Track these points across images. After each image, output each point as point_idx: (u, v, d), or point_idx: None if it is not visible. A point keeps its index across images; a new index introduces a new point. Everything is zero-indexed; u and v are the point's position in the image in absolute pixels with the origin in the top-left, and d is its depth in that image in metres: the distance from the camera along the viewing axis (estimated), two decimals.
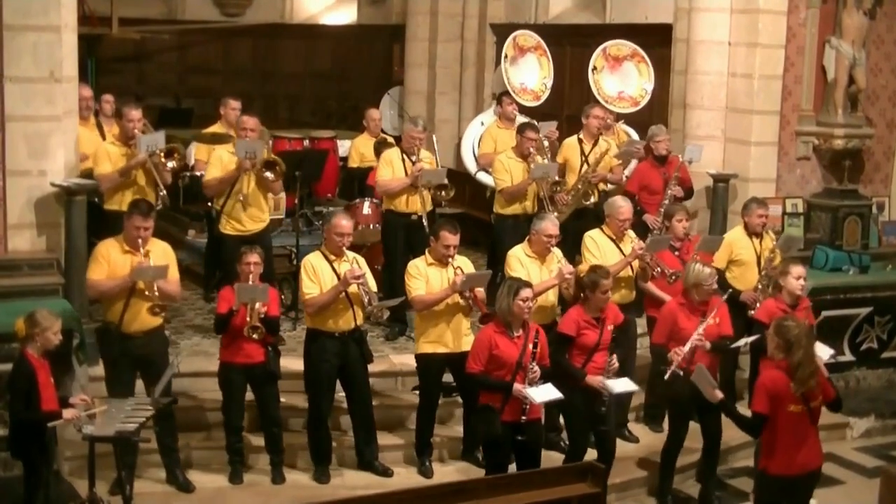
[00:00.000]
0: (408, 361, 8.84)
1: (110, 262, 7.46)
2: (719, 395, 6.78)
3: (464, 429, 8.31)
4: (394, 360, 8.96)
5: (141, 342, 7.48)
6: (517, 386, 7.09)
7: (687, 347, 7.60)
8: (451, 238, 7.84)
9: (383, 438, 8.27)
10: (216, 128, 10.30)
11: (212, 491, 7.76)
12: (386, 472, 8.07)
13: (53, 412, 6.62)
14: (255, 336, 7.61)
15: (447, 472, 8.16)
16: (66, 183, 8.33)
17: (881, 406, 10.02)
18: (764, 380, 6.42)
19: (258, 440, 8.08)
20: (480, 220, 11.66)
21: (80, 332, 7.90)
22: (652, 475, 8.32)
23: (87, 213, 8.49)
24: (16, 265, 8.28)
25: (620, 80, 11.35)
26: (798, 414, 6.35)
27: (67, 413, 6.66)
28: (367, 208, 10.11)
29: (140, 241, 7.43)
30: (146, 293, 7.40)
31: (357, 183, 11.27)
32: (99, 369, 8.11)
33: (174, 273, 7.65)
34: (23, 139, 8.25)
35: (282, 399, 8.02)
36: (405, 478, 8.01)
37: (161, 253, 7.62)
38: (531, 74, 12.13)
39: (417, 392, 8.64)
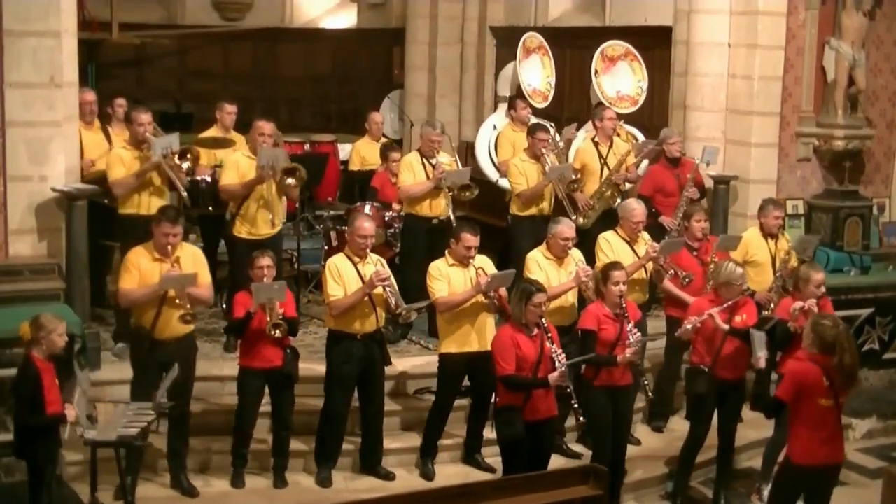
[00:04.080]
0: (409, 365, 8.85)
1: (141, 270, 7.46)
2: (763, 363, 6.79)
3: (467, 431, 8.31)
4: (395, 363, 8.92)
5: (172, 348, 7.50)
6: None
7: (700, 318, 7.67)
8: (472, 240, 7.88)
9: (385, 442, 8.24)
10: (212, 132, 10.29)
11: (215, 495, 7.77)
12: (388, 476, 8.07)
13: (59, 415, 6.62)
14: (277, 333, 7.58)
15: (449, 474, 8.15)
16: (66, 188, 8.34)
17: (883, 407, 10.01)
18: (795, 370, 6.45)
19: (262, 444, 8.07)
20: (486, 224, 11.63)
21: (82, 336, 7.91)
22: (654, 477, 8.33)
23: (95, 215, 8.50)
24: (17, 270, 8.29)
25: (615, 80, 11.35)
26: (827, 408, 6.39)
27: (69, 412, 6.65)
28: (367, 211, 10.09)
29: (169, 247, 7.44)
30: (177, 301, 7.41)
31: (358, 186, 11.27)
32: (101, 374, 8.14)
33: (206, 277, 7.68)
34: (23, 144, 8.27)
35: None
36: (407, 481, 8.02)
37: (191, 258, 7.64)
38: (535, 75, 12.13)
39: (420, 396, 8.66)
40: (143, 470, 7.71)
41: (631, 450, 8.37)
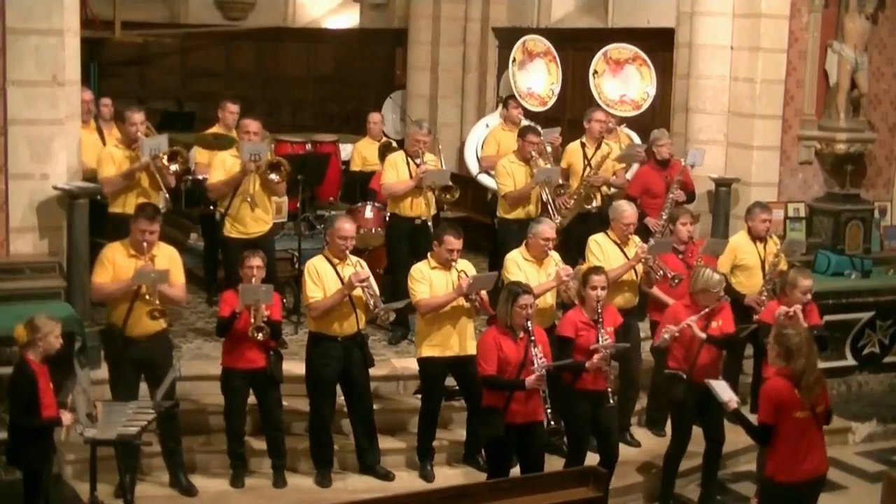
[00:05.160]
0: (410, 365, 8.83)
1: (115, 265, 7.46)
2: (734, 404, 6.79)
3: (466, 432, 8.31)
4: (395, 363, 8.95)
5: (144, 346, 7.48)
6: None
7: (677, 327, 7.65)
8: (455, 242, 7.85)
9: (385, 442, 8.27)
10: (214, 130, 10.29)
11: (214, 495, 7.76)
12: (387, 476, 8.07)
13: (53, 418, 6.61)
14: (259, 336, 7.57)
15: (449, 475, 8.15)
16: (68, 186, 8.34)
17: (883, 411, 10.01)
18: (768, 389, 6.41)
19: (260, 444, 8.07)
20: (482, 224, 11.66)
21: (83, 335, 7.90)
22: (654, 480, 8.32)
23: (90, 212, 8.51)
24: (18, 268, 8.29)
25: (622, 83, 11.34)
26: (804, 420, 6.35)
27: (66, 417, 6.66)
28: (369, 212, 10.11)
29: (145, 244, 7.44)
30: (147, 297, 7.41)
31: (359, 186, 11.27)
32: (101, 372, 8.14)
33: (179, 277, 7.65)
34: (25, 142, 8.27)
35: (284, 403, 8.02)
36: (407, 482, 8.01)
37: (167, 257, 7.63)
38: (539, 79, 12.12)
39: (419, 396, 8.66)
40: (143, 469, 7.72)
41: (630, 452, 8.39)
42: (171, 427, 7.66)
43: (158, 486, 7.78)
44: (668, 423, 9.04)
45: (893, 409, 10.10)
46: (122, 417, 6.90)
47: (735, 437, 8.22)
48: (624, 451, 8.21)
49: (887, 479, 7.35)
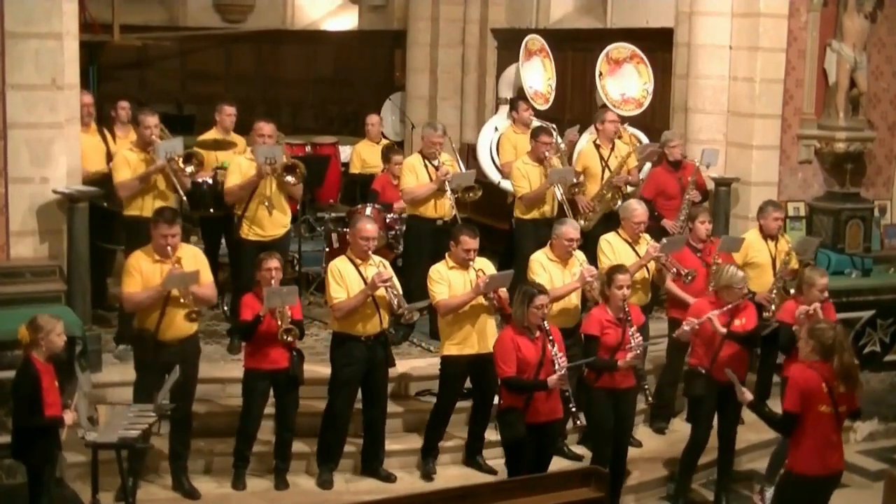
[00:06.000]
0: (411, 366, 8.85)
1: (143, 273, 7.49)
2: (749, 395, 6.81)
3: (468, 433, 8.31)
4: (397, 365, 8.93)
5: (175, 350, 7.51)
6: None
7: (699, 320, 7.67)
8: (471, 242, 7.88)
9: (386, 444, 8.25)
10: (212, 134, 10.28)
11: (216, 497, 7.77)
12: (388, 478, 8.07)
13: (57, 417, 6.62)
14: (289, 338, 7.60)
15: (450, 476, 8.14)
16: (68, 190, 8.35)
17: (884, 409, 10.01)
18: (797, 378, 6.44)
19: (263, 446, 8.07)
20: (485, 226, 11.63)
21: (83, 338, 7.91)
22: (655, 478, 8.33)
23: (93, 217, 8.52)
24: (18, 272, 8.29)
25: (620, 82, 11.34)
26: (827, 415, 6.38)
27: (68, 416, 6.66)
28: (368, 213, 10.10)
29: (169, 248, 7.46)
30: (181, 300, 7.43)
31: (359, 188, 11.28)
32: (102, 375, 8.16)
33: (207, 276, 7.71)
34: (25, 146, 8.27)
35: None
36: (408, 483, 8.02)
37: (192, 258, 7.66)
38: (536, 77, 12.12)
39: (421, 398, 8.67)
40: (144, 471, 7.72)
41: (632, 451, 8.38)
42: (184, 430, 7.70)
43: (160, 488, 7.79)
44: (671, 421, 9.10)
45: (894, 408, 10.10)
46: (123, 421, 6.90)
47: (739, 436, 8.22)
48: None
49: (889, 478, 7.35)
